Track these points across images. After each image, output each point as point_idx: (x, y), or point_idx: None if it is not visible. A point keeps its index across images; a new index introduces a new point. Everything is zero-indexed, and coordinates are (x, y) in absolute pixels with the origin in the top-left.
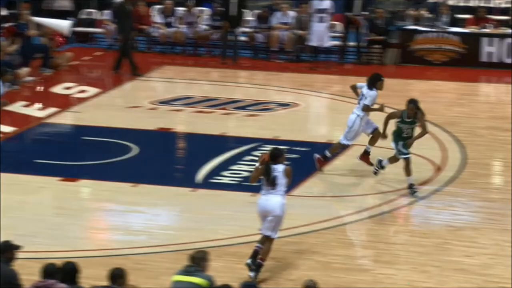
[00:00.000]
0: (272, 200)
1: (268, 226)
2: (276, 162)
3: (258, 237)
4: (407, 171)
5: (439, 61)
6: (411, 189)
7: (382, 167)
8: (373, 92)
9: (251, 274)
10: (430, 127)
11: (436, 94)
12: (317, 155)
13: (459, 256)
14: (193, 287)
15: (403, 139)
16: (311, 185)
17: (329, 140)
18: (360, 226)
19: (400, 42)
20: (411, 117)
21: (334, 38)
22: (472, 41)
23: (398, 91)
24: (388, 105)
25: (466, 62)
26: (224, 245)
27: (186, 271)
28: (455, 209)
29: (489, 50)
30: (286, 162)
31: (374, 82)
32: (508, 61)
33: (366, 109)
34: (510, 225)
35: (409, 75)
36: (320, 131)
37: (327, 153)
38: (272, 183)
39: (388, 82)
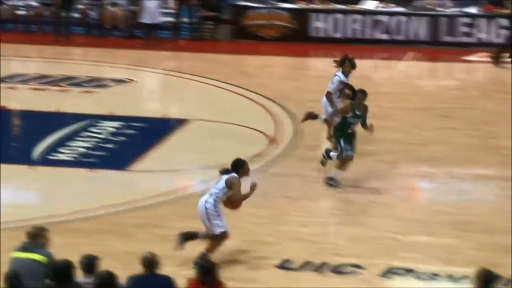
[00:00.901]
0: (201, 199)
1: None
2: (235, 171)
3: (98, 212)
4: (342, 166)
5: (270, 36)
6: (330, 181)
7: (330, 157)
8: (336, 77)
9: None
10: (264, 102)
11: (269, 69)
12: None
13: (296, 226)
14: (32, 263)
15: (348, 135)
16: (148, 160)
17: (164, 115)
18: (197, 199)
19: (232, 18)
20: (361, 110)
21: (167, 14)
22: (301, 17)
23: (232, 66)
24: (221, 79)
25: (296, 37)
26: (63, 221)
27: (24, 248)
28: (290, 180)
29: (317, 25)
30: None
31: (340, 66)
32: (335, 35)
33: (329, 93)
34: (342, 195)
35: (242, 50)
36: (155, 107)
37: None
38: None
39: (222, 57)
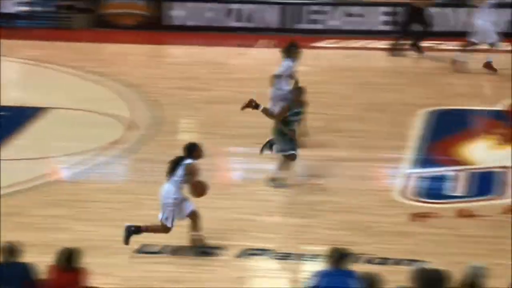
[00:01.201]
0: (164, 188)
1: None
2: (189, 156)
3: None
4: (283, 167)
5: (128, 25)
6: (273, 182)
7: (271, 149)
8: (285, 62)
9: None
10: (122, 89)
11: (128, 57)
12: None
13: (154, 210)
14: None
15: (290, 133)
16: (8, 148)
17: (23, 104)
18: (59, 186)
19: (89, 7)
20: (299, 106)
21: (22, 4)
22: (156, 5)
23: (90, 54)
24: (79, 68)
25: (152, 25)
26: None
27: None
28: (149, 166)
29: (172, 13)
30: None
31: (288, 52)
32: (190, 23)
33: (274, 76)
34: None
35: (100, 39)
36: (14, 96)
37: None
38: (171, 172)
39: (79, 46)
